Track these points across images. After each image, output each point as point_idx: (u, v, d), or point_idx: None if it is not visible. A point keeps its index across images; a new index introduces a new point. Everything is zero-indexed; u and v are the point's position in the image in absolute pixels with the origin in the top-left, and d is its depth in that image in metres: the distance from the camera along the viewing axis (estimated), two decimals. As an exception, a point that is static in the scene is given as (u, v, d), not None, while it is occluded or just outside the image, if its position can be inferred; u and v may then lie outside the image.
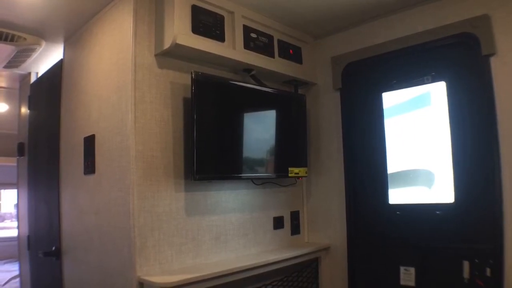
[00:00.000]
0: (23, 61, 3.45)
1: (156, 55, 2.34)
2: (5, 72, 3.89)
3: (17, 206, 4.07)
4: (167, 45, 2.26)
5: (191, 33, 2.32)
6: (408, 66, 2.75)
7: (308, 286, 3.03)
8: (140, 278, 2.11)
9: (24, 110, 3.92)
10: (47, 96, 3.32)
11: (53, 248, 2.92)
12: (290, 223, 3.07)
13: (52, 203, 3.05)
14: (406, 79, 2.73)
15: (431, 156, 2.65)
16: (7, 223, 10.02)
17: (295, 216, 3.12)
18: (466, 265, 2.38)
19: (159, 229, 2.26)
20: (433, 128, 2.63)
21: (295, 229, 3.11)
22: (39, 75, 3.69)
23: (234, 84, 2.62)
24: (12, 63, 3.49)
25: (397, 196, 2.77)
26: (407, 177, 2.75)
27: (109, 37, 2.50)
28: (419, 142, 2.71)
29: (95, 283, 2.49)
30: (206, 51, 2.38)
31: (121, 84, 2.33)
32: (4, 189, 9.94)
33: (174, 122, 2.39)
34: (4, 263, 7.01)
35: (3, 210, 10.76)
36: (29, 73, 3.81)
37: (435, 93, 2.63)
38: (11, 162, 4.74)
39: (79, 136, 2.72)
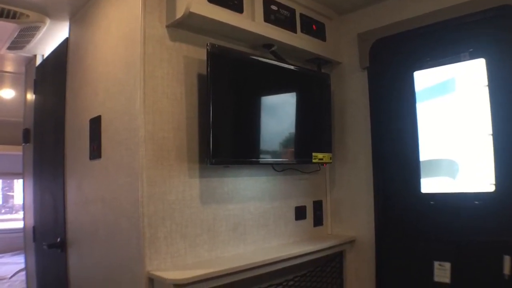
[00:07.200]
0: (28, 42, 3.28)
1: (167, 26, 2.13)
2: (11, 55, 3.75)
3: (23, 195, 3.93)
4: (179, 14, 2.04)
5: (207, 1, 2.11)
6: (443, 42, 2.53)
7: (332, 281, 2.82)
8: (149, 273, 1.92)
9: (30, 95, 3.77)
10: (53, 78, 3.15)
11: (58, 239, 2.77)
12: (312, 213, 2.87)
13: (57, 192, 2.89)
14: (441, 56, 2.51)
15: (455, 145, 2.48)
16: (17, 214, 9.99)
17: (318, 206, 2.92)
18: (507, 260, 2.20)
19: (171, 218, 2.06)
20: (458, 115, 2.45)
21: (318, 220, 2.91)
22: (45, 57, 3.52)
23: (254, 59, 2.40)
24: (16, 44, 3.33)
25: (430, 185, 2.56)
26: (430, 167, 2.57)
27: (116, 9, 2.30)
28: (441, 131, 2.54)
29: (101, 278, 2.31)
30: (223, 21, 2.17)
31: (129, 58, 2.12)
32: (16, 179, 9.82)
33: (188, 100, 2.19)
34: (13, 255, 6.91)
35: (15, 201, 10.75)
36: (35, 56, 3.64)
37: (461, 78, 2.45)
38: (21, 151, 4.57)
39: (84, 118, 2.53)
